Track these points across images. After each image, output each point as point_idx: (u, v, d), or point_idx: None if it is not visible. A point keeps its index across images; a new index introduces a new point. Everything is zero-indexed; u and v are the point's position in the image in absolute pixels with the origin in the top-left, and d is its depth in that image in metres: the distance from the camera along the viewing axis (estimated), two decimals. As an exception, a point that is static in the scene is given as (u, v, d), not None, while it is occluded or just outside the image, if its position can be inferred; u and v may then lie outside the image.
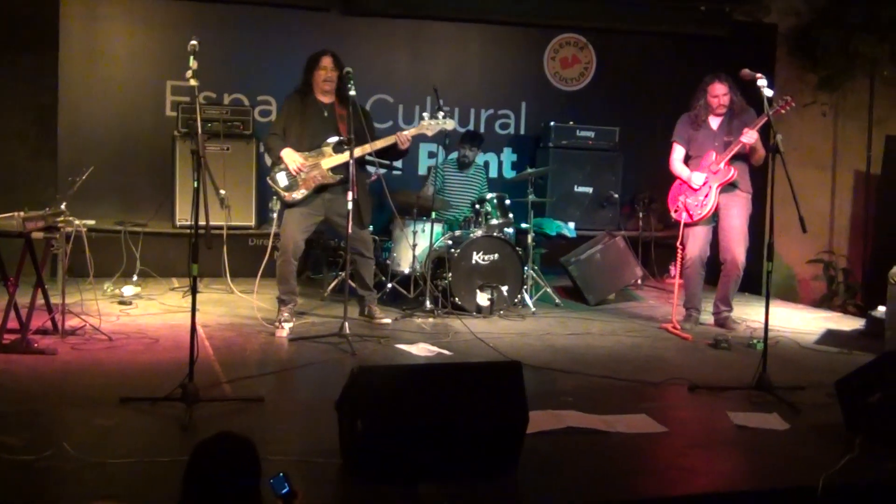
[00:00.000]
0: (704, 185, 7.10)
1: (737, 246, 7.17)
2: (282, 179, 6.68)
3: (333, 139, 6.66)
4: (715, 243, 7.32)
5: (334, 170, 6.62)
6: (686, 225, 7.19)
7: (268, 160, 9.07)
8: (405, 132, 6.89)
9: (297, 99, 6.80)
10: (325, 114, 6.76)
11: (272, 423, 4.54)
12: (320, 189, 6.71)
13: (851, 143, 10.78)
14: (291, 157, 6.62)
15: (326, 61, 6.69)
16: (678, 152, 7.34)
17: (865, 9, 9.83)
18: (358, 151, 6.50)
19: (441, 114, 6.99)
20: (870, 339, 7.14)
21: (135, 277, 8.02)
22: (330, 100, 6.77)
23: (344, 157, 6.46)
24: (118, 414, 4.51)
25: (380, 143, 6.72)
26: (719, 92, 7.11)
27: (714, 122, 7.22)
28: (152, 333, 6.31)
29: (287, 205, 6.73)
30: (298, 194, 6.67)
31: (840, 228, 10.99)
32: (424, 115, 7.16)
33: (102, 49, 9.09)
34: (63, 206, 6.10)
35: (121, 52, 9.15)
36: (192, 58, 4.90)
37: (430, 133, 7.06)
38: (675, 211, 7.26)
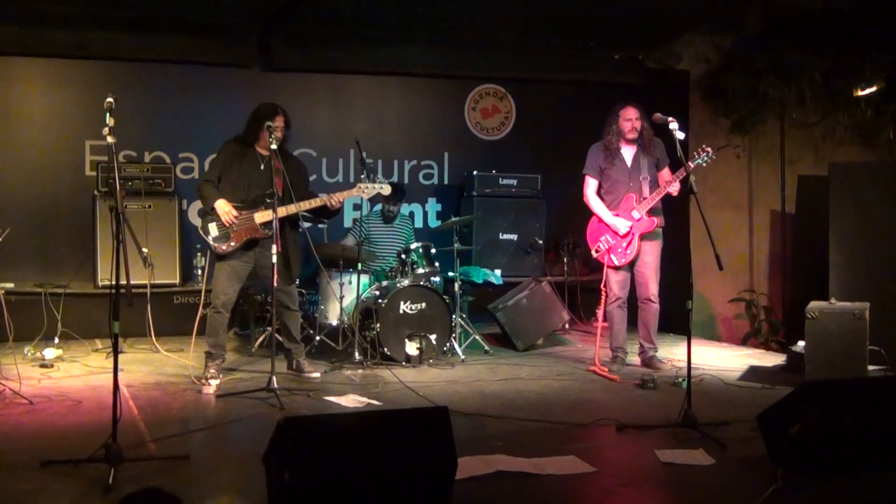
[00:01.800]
0: (629, 234, 7.24)
1: (651, 282, 7.35)
2: (213, 230, 6.63)
3: (264, 194, 6.65)
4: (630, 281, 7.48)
5: (266, 225, 6.59)
6: (609, 267, 7.33)
7: (192, 217, 9.10)
8: (338, 194, 6.91)
9: (237, 147, 6.78)
10: (262, 166, 6.75)
11: (199, 481, 4.46)
12: (251, 243, 6.70)
13: (766, 183, 11.08)
14: (224, 209, 6.59)
15: (280, 121, 6.66)
16: (592, 186, 7.44)
17: (770, 54, 10.18)
18: (283, 211, 6.54)
19: (379, 178, 7.08)
20: (791, 373, 7.29)
21: (56, 340, 7.86)
22: (268, 153, 6.76)
23: (280, 213, 6.47)
24: (40, 478, 4.40)
25: (305, 205, 6.75)
26: (632, 115, 7.25)
27: (627, 155, 7.34)
28: (74, 395, 6.18)
29: (218, 257, 6.68)
30: (228, 247, 6.63)
31: (759, 267, 11.24)
32: (362, 177, 7.21)
33: (18, 110, 8.98)
34: (-21, 269, 5.99)
35: (37, 113, 9.05)
36: (108, 115, 4.87)
37: (365, 196, 7.11)
38: (597, 252, 7.38)
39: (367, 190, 7.01)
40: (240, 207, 6.64)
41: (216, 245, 6.63)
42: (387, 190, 7.15)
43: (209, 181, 6.75)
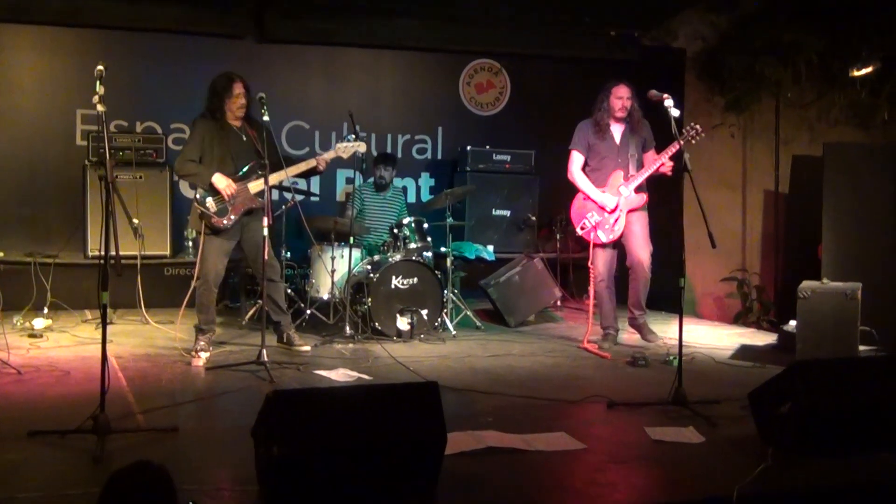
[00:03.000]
0: (616, 209, 7.21)
1: (641, 250, 7.29)
2: (212, 204, 6.57)
3: (254, 164, 6.61)
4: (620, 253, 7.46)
5: (261, 194, 6.55)
6: (595, 245, 7.30)
7: (184, 189, 9.04)
8: (323, 155, 6.93)
9: (211, 124, 6.70)
10: (244, 137, 6.70)
11: (187, 453, 4.44)
12: (246, 214, 6.67)
13: (760, 163, 11.06)
14: (223, 183, 6.52)
15: (239, 88, 6.60)
16: (578, 161, 7.40)
17: (767, 33, 10.12)
18: (276, 177, 6.52)
19: (352, 136, 7.04)
20: (782, 352, 7.29)
21: (45, 310, 7.83)
22: (241, 124, 6.72)
23: (274, 179, 6.42)
24: (27, 448, 4.37)
25: (293, 170, 6.73)
26: (623, 94, 7.21)
27: (616, 132, 7.31)
28: (63, 366, 6.15)
29: (215, 230, 6.61)
30: (229, 220, 6.58)
31: (752, 247, 11.23)
32: (337, 140, 7.15)
33: (9, 79, 8.91)
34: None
35: (28, 81, 8.98)
36: (98, 83, 4.81)
37: (345, 156, 7.10)
38: (583, 229, 7.34)
39: (345, 149, 7.02)
40: (234, 180, 6.59)
41: (218, 219, 6.55)
42: (362, 147, 7.12)
43: (190, 160, 6.62)
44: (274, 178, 6.49)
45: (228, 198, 6.54)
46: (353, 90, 9.96)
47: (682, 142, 6.20)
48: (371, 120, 9.74)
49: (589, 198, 7.30)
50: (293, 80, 9.66)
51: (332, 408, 3.91)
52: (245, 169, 6.62)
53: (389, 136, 10.15)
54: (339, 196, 9.86)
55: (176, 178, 8.99)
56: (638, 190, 7.22)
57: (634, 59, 10.24)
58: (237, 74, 6.70)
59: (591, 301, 7.44)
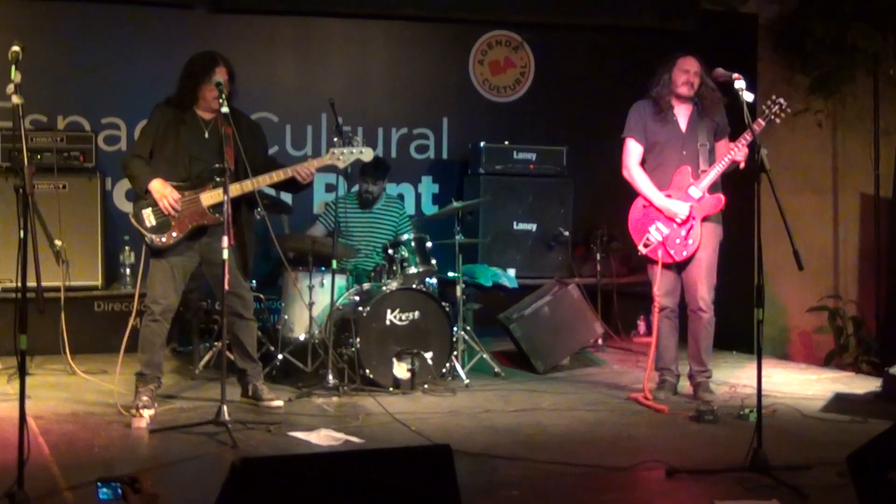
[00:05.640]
0: (689, 219, 7.17)
1: (700, 285, 7.24)
2: (148, 218, 6.60)
3: (214, 169, 6.62)
4: None
5: (216, 208, 6.56)
6: (665, 266, 7.24)
7: (119, 201, 9.07)
8: (308, 164, 6.92)
9: (172, 112, 6.75)
10: (207, 134, 6.74)
11: (129, 540, 4.46)
12: (197, 233, 6.68)
13: (855, 159, 11.05)
14: (162, 192, 6.56)
15: (223, 74, 6.62)
16: (636, 153, 7.32)
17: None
18: (237, 188, 6.53)
19: (357, 140, 7.07)
20: (889, 402, 7.30)
21: (-56, 358, 7.87)
22: (212, 116, 6.76)
23: (234, 191, 6.46)
24: (-77, 536, 4.40)
25: (266, 180, 6.73)
26: (691, 67, 7.16)
27: (681, 115, 7.27)
28: (-32, 430, 6.17)
29: (154, 251, 6.66)
30: (170, 238, 6.61)
31: (847, 267, 11.22)
32: (335, 140, 7.14)
33: None
34: None
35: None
36: (13, 68, 4.85)
37: (341, 165, 7.10)
38: (647, 246, 7.26)
39: (342, 156, 7.02)
40: (181, 188, 6.62)
41: (153, 237, 6.59)
42: (368, 155, 7.16)
43: (138, 156, 6.70)
44: (235, 189, 6.50)
45: (167, 212, 6.56)
46: (335, 72, 10.01)
47: (763, 121, 6.19)
48: (357, 110, 9.77)
49: (652, 204, 7.29)
50: (258, 61, 9.69)
51: (313, 479, 3.92)
52: (198, 173, 6.64)
53: (381, 131, 10.19)
54: (318, 208, 9.87)
55: (108, 187, 9.08)
56: (712, 189, 7.19)
57: (693, 29, 10.25)
58: (222, 56, 6.73)
59: (654, 341, 7.36)
